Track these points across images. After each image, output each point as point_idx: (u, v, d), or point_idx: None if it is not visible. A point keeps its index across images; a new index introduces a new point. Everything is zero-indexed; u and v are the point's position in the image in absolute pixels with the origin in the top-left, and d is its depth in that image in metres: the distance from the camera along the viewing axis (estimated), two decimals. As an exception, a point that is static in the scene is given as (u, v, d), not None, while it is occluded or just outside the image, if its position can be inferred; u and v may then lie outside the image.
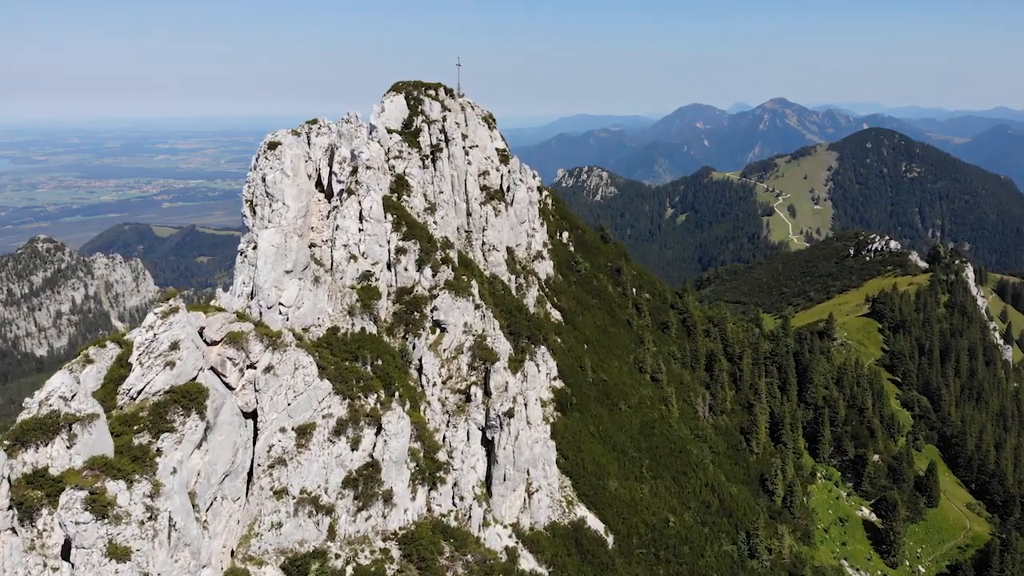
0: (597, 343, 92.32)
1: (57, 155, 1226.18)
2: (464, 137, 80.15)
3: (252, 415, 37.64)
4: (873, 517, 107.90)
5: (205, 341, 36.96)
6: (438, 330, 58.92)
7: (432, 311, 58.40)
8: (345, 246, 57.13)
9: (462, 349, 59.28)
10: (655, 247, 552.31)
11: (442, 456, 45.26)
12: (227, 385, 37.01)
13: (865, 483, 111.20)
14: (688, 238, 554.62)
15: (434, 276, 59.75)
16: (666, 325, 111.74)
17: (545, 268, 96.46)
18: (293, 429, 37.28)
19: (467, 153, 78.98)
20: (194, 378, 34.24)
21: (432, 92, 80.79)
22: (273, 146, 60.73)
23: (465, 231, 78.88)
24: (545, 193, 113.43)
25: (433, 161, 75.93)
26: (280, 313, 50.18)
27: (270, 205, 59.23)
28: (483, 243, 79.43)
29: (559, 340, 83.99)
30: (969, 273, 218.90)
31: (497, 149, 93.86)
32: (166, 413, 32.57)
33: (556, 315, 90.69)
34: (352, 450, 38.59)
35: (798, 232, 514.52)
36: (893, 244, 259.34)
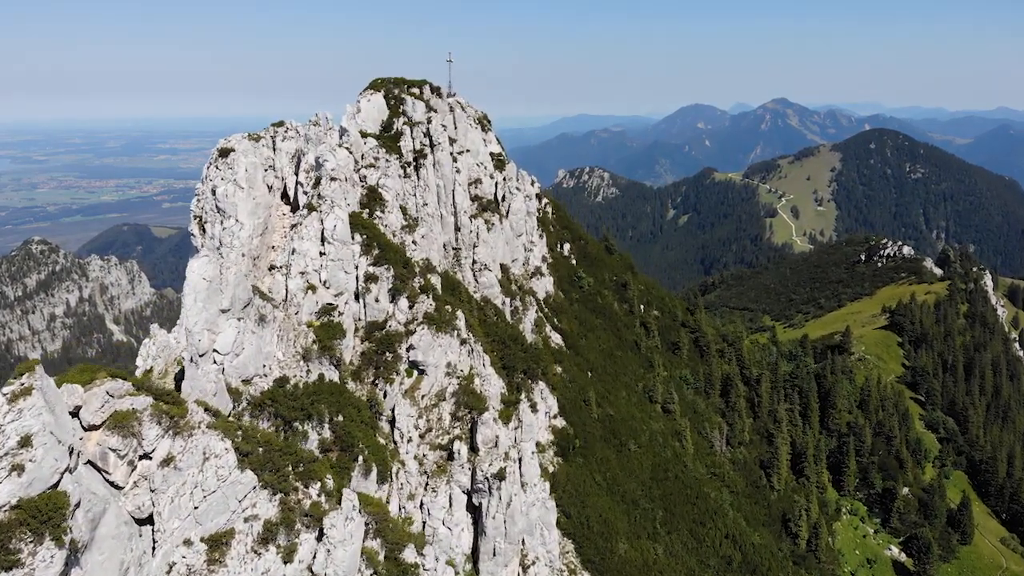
0: (602, 370, 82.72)
1: (58, 155, 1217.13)
2: (452, 141, 70.47)
3: (149, 520, 28.04)
4: (903, 557, 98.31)
5: (83, 425, 27.36)
6: (415, 373, 49.34)
7: (408, 350, 48.83)
8: (302, 274, 47.56)
9: (444, 395, 49.69)
10: (657, 249, 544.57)
11: (409, 555, 35.62)
12: (112, 484, 27.42)
13: (894, 519, 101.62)
14: (690, 240, 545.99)
15: (411, 308, 50.16)
16: (677, 346, 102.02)
17: (544, 285, 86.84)
18: (203, 540, 27.68)
19: (455, 160, 69.33)
20: (55, 484, 24.66)
21: (415, 90, 71.10)
22: (225, 153, 51.40)
23: (453, 248, 69.22)
24: (545, 201, 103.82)
25: (416, 169, 66.24)
26: (214, 362, 40.61)
27: (221, 222, 49.90)
28: (473, 262, 69.77)
29: (559, 369, 74.41)
30: (988, 281, 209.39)
31: (492, 154, 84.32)
32: (8, 540, 22.99)
33: (557, 339, 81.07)
34: (284, 563, 29.01)
35: (801, 234, 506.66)
36: (906, 250, 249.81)
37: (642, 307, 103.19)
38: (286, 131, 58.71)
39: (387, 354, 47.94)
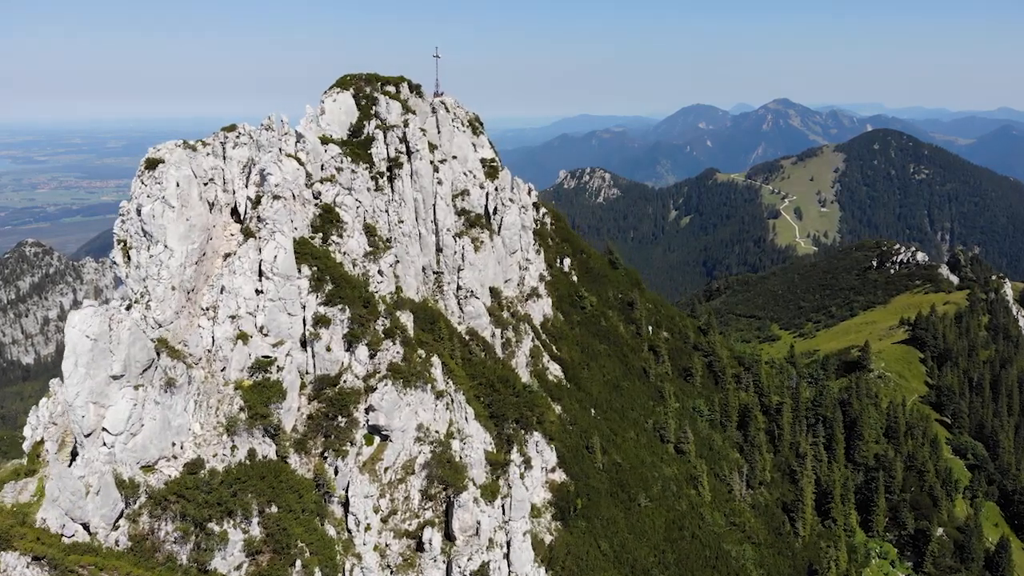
0: (607, 405, 72.98)
1: (58, 155, 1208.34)
2: (433, 148, 60.73)
3: None
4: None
5: None
6: (377, 439, 39.59)
7: (368, 412, 39.06)
8: (233, 318, 37.79)
9: (413, 467, 39.91)
10: (659, 250, 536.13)
11: None
12: None
13: (927, 563, 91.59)
14: (692, 241, 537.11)
15: (372, 357, 40.36)
16: (689, 372, 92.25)
17: (542, 308, 77.08)
18: None
19: (437, 169, 59.55)
20: None
21: (391, 89, 61.31)
22: (152, 165, 41.76)
23: (434, 272, 59.46)
24: (543, 211, 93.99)
25: (390, 181, 56.53)
26: (105, 444, 30.98)
27: (148, 248, 40.20)
28: (458, 287, 60.02)
29: (559, 409, 64.65)
30: (1008, 290, 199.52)
31: (483, 160, 74.65)
32: None
33: (555, 370, 71.35)
34: None
35: (805, 235, 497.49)
36: (920, 256, 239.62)
37: (650, 328, 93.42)
38: (238, 136, 49.08)
39: (340, 418, 38.14)
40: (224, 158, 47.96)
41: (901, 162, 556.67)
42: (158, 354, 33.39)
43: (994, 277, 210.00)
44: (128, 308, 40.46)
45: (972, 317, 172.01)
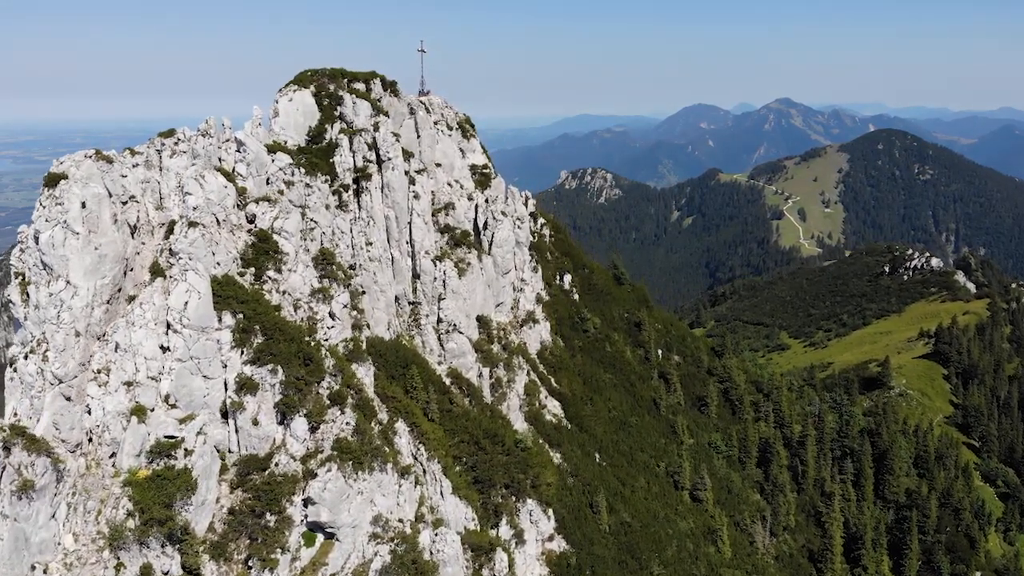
0: (614, 448, 64.02)
1: (59, 155, 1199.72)
2: (409, 156, 51.69)
3: None
4: (981, 662, 79.78)
5: None
6: (320, 537, 30.67)
7: (306, 505, 30.14)
8: (129, 385, 28.90)
9: (367, 573, 30.95)
10: (661, 252, 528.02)
11: None
12: None
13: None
14: (695, 242, 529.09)
15: (314, 431, 31.41)
16: (704, 401, 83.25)
17: (539, 334, 68.04)
18: None
19: (413, 181, 50.51)
20: None
21: (359, 86, 52.25)
22: (53, 182, 33.05)
23: (409, 303, 50.49)
24: (542, 222, 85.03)
25: (357, 195, 47.58)
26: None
27: (48, 284, 31.43)
28: (439, 320, 51.06)
29: (558, 458, 55.74)
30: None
31: (473, 166, 65.75)
32: None
33: (554, 408, 62.38)
34: None
35: (809, 236, 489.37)
36: (935, 261, 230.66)
37: (660, 352, 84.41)
38: (176, 143, 40.42)
39: (268, 516, 29.20)
40: (160, 169, 39.38)
41: (905, 162, 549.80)
42: (7, 449, 24.54)
43: (1014, 285, 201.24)
44: (25, 357, 32.25)
45: (995, 329, 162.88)
